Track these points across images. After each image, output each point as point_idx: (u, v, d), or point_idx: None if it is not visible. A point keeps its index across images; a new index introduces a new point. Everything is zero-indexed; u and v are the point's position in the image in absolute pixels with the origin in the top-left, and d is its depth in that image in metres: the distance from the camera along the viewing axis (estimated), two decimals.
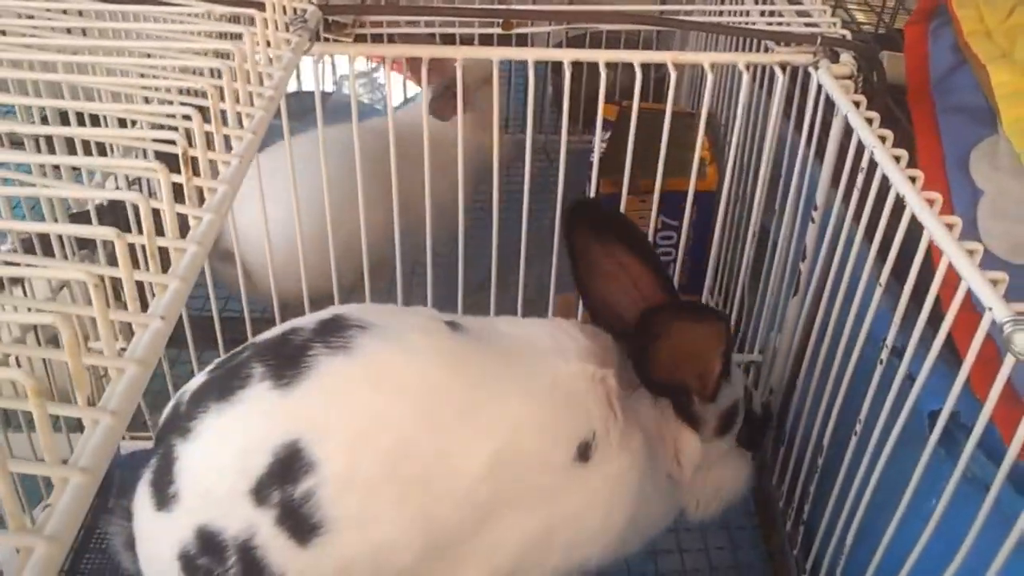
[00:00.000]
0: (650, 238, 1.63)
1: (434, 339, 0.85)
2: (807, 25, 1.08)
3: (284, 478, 0.76)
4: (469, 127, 1.14)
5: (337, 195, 1.11)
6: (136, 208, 0.47)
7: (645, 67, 1.00)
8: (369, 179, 1.08)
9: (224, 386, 0.80)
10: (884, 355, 0.86)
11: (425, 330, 0.85)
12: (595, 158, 1.12)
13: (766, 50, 1.08)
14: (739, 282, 1.26)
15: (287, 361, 0.79)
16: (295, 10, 0.78)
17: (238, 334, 1.18)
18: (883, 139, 0.83)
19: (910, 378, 0.82)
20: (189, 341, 1.18)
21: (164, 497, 0.80)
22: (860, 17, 1.90)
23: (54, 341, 1.06)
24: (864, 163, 0.87)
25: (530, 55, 0.97)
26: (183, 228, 0.50)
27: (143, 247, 0.48)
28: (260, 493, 0.76)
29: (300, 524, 0.77)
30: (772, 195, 1.20)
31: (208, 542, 0.78)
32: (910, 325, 0.80)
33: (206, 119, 0.53)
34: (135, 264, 0.46)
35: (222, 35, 0.68)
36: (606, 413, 0.87)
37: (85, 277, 0.42)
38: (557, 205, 1.11)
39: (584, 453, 0.85)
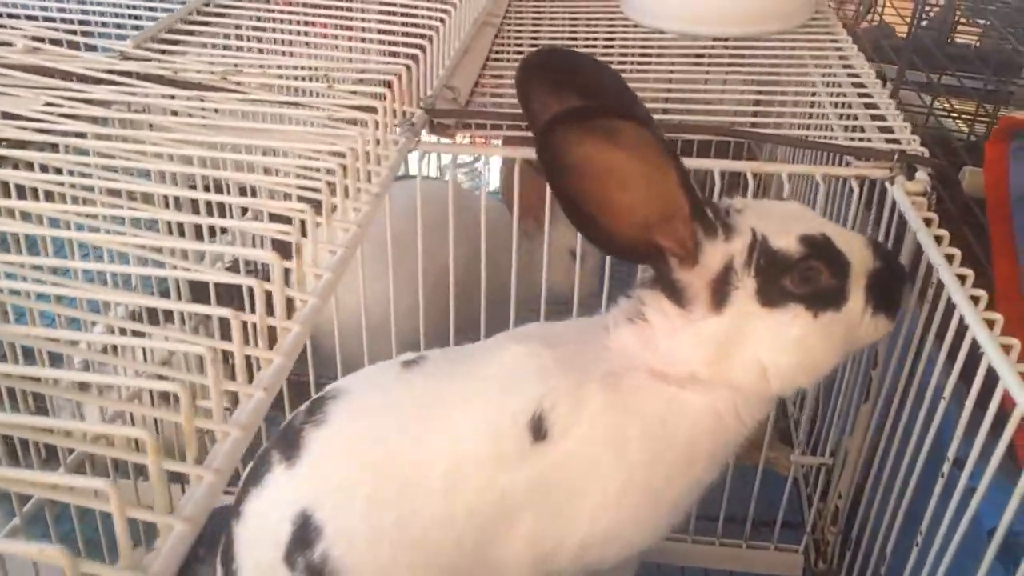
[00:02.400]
0: None
1: (379, 393, 0.90)
2: (887, 141, 1.12)
3: (303, 543, 0.85)
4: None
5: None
6: (251, 289, 0.55)
7: (731, 175, 1.05)
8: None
9: (256, 473, 0.91)
10: (945, 468, 0.88)
11: (375, 384, 0.92)
12: None
13: (847, 164, 1.12)
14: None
15: (290, 443, 0.89)
16: (404, 113, 0.87)
17: None
18: (950, 258, 0.86)
19: (972, 491, 0.83)
20: (286, 404, 1.26)
21: (229, 571, 0.91)
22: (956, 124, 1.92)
23: (165, 401, 1.16)
24: (934, 280, 0.90)
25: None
26: (289, 310, 0.58)
27: (254, 325, 0.55)
28: (290, 559, 0.86)
29: None
30: None
31: None
32: (975, 438, 0.82)
33: (319, 212, 0.61)
34: (245, 339, 0.53)
35: (340, 137, 0.77)
36: (547, 384, 0.83)
37: (205, 352, 0.50)
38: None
39: (539, 431, 0.83)
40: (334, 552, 0.85)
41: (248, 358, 0.54)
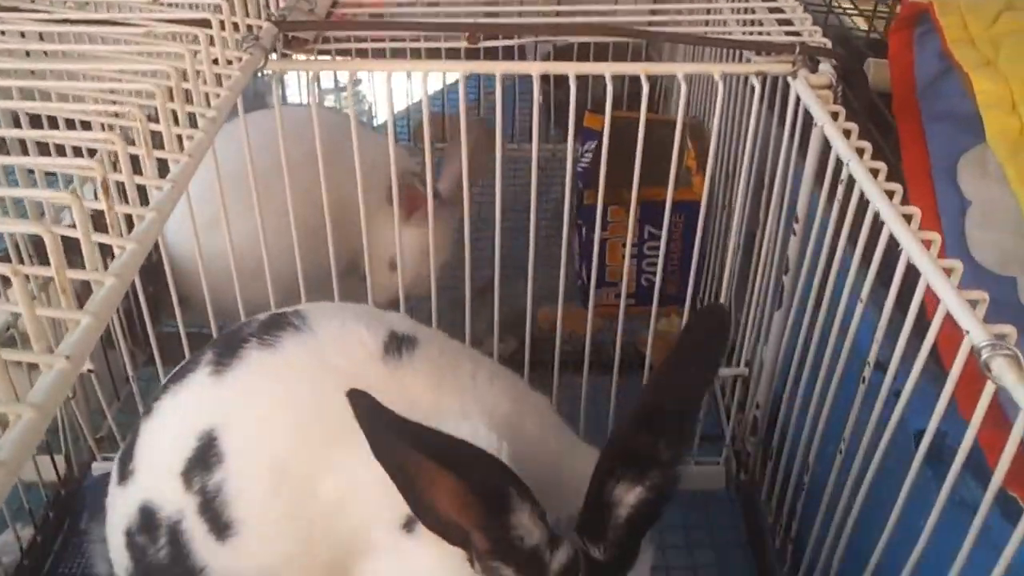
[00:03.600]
0: (633, 248, 1.61)
1: (346, 360, 0.79)
2: (788, 34, 1.05)
3: (203, 465, 0.77)
4: None
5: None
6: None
7: (633, 78, 0.97)
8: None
9: (181, 369, 0.84)
10: (867, 372, 0.84)
11: (345, 349, 0.80)
12: (568, 169, 1.08)
13: (747, 61, 1.05)
14: (724, 292, 1.23)
15: (228, 350, 0.80)
16: (249, 27, 0.76)
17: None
18: (861, 152, 0.81)
19: (896, 395, 0.79)
20: (158, 361, 1.16)
21: (124, 471, 0.84)
22: (856, 22, 1.87)
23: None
24: (844, 176, 0.84)
25: (497, 68, 0.95)
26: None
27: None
28: (187, 477, 0.78)
29: (215, 518, 0.77)
30: (757, 204, 1.17)
31: (147, 519, 0.80)
32: (896, 340, 0.78)
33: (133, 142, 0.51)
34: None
35: (169, 55, 0.66)
36: None
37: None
38: (531, 216, 1.07)
39: (410, 524, 0.75)
40: (229, 487, 0.77)
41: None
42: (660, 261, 1.15)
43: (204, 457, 0.77)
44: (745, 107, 1.15)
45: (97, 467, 1.27)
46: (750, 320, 1.23)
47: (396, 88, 1.81)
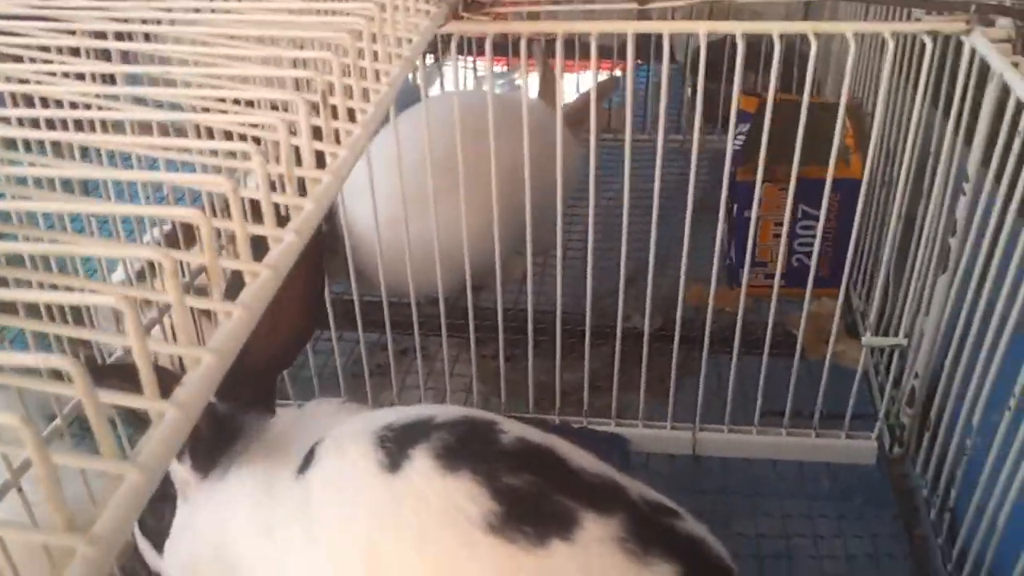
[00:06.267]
0: (787, 227, 1.59)
1: None
2: None
3: None
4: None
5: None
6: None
7: (788, 57, 0.98)
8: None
9: None
10: None
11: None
12: (730, 137, 1.10)
13: (916, 20, 1.04)
14: (884, 264, 1.21)
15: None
16: None
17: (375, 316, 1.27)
18: None
19: None
20: (331, 325, 1.24)
21: None
22: None
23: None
24: (1022, 127, 0.83)
25: (665, 28, 0.98)
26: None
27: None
28: None
29: None
30: (918, 180, 1.15)
31: None
32: None
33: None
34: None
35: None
36: None
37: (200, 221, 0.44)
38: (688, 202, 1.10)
39: None
40: None
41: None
42: (818, 240, 1.15)
43: None
44: (911, 67, 1.13)
45: None
46: (911, 290, 1.20)
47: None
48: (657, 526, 0.72)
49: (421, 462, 0.72)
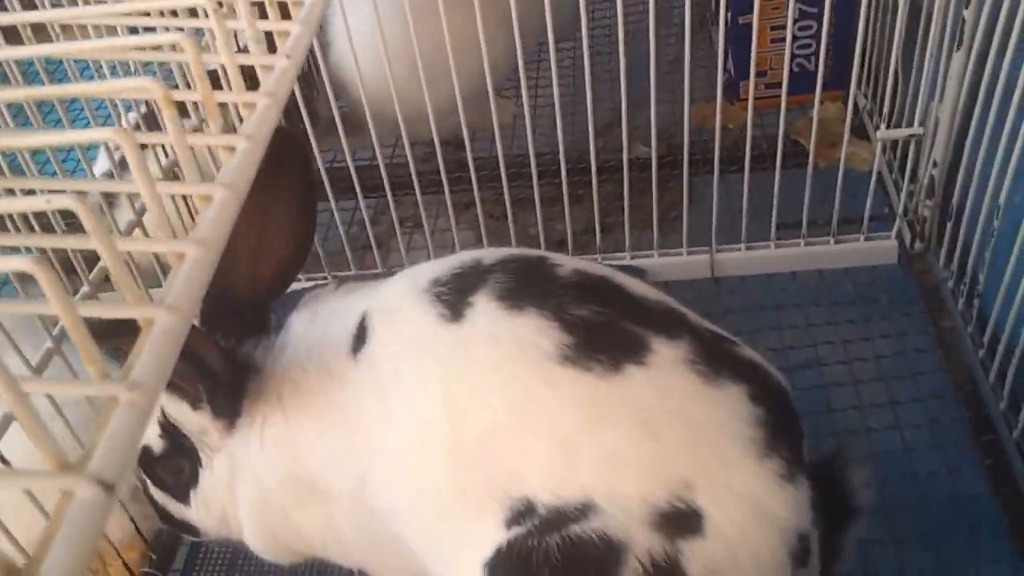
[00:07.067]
0: (782, 31, 1.51)
1: None
2: None
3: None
4: None
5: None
6: None
7: None
8: None
9: None
10: None
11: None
12: None
13: None
14: (894, 50, 1.15)
15: None
16: None
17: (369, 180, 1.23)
18: None
19: None
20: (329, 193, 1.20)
21: None
22: None
23: None
24: None
25: None
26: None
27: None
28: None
29: None
30: None
31: None
32: None
33: None
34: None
35: None
36: None
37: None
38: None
39: None
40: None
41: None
42: (823, 39, 1.08)
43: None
44: None
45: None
46: (923, 77, 1.14)
47: None
48: (720, 349, 0.71)
49: (484, 305, 0.71)
